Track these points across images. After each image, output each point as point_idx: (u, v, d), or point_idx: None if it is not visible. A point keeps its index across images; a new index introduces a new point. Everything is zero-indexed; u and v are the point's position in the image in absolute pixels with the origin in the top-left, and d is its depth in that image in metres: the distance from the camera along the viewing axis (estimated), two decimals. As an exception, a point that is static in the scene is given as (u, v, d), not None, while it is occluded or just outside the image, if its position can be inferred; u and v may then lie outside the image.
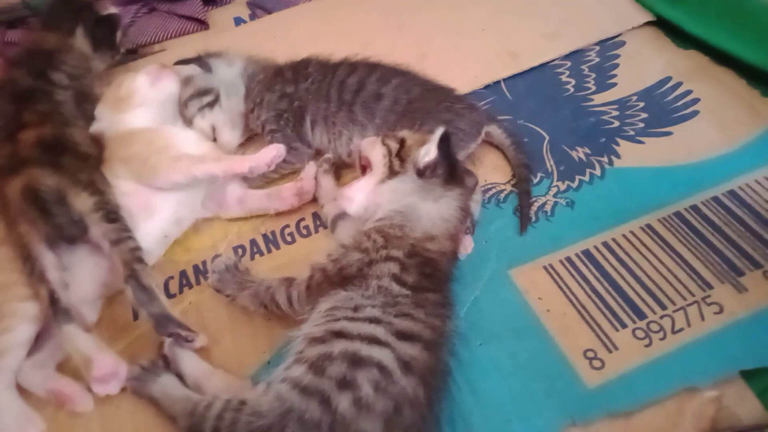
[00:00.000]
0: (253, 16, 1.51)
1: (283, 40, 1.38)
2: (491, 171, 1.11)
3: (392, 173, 0.90)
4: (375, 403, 0.70)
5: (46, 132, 0.97)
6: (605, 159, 1.09)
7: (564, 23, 1.32)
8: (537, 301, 0.92)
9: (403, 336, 0.75)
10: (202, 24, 1.48)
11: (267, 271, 0.98)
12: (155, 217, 1.00)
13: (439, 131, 0.86)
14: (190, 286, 1.02)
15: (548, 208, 1.04)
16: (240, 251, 1.05)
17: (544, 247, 0.98)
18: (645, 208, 1.00)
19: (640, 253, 0.95)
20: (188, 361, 0.88)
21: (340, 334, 0.75)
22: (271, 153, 1.00)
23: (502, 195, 1.07)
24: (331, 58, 1.15)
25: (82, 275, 0.94)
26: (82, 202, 0.92)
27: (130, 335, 0.96)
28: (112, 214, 0.93)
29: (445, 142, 0.86)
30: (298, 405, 0.71)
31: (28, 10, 1.45)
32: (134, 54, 1.46)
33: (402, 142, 0.92)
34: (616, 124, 1.15)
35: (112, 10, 1.26)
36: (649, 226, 0.98)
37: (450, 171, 0.89)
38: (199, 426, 0.76)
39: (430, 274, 0.83)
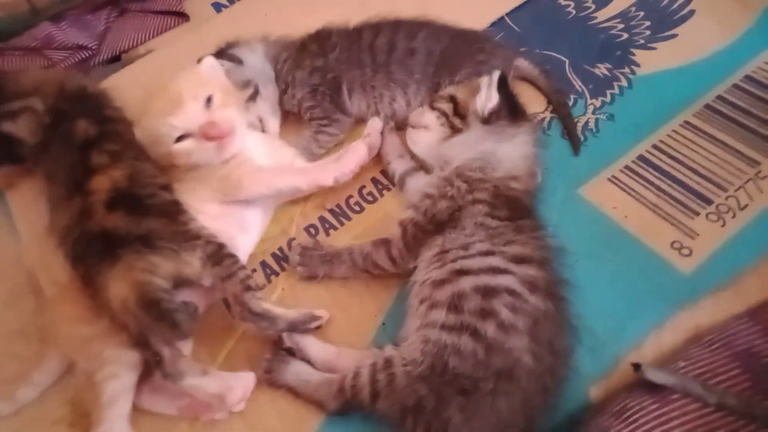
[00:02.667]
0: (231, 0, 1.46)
1: (276, 17, 1.36)
2: (528, 102, 1.15)
3: (456, 131, 0.93)
4: (516, 323, 0.76)
5: (119, 175, 0.88)
6: (627, 70, 1.17)
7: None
8: (613, 211, 0.99)
9: (518, 260, 0.81)
10: (183, 16, 1.42)
11: (349, 242, 1.01)
12: (251, 231, 1.00)
13: (496, 74, 0.91)
14: (276, 274, 1.02)
15: (592, 125, 1.11)
16: (312, 231, 1.06)
17: (602, 161, 1.05)
18: (678, 107, 1.09)
19: (688, 147, 1.04)
20: (314, 347, 0.90)
21: (462, 272, 0.80)
22: (355, 159, 0.99)
23: (545, 122, 1.13)
24: (346, 24, 1.15)
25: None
26: (192, 266, 0.86)
27: (232, 337, 0.95)
28: (215, 255, 0.88)
29: (503, 84, 0.90)
30: (451, 341, 0.76)
31: None
32: (118, 61, 1.40)
33: (453, 100, 0.95)
34: (625, 36, 1.22)
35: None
36: (687, 122, 1.07)
37: (514, 109, 0.93)
38: (355, 398, 0.80)
39: (517, 207, 0.88)
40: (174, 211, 0.91)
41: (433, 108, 0.98)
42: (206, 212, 0.95)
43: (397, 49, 1.10)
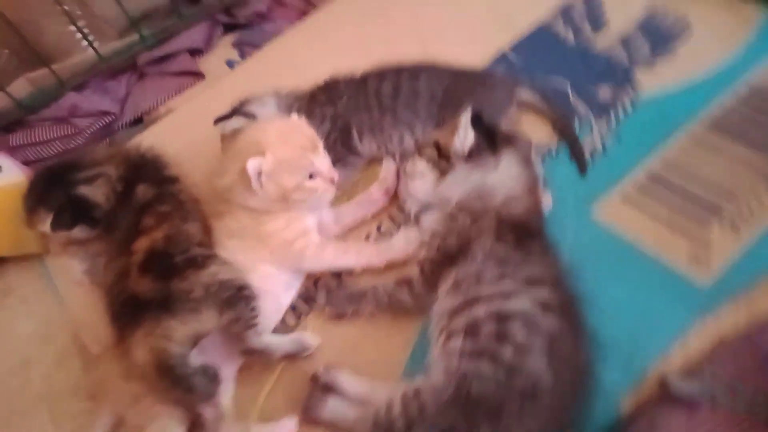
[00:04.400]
0: (243, 55, 1.53)
1: (289, 69, 1.41)
2: (533, 129, 1.20)
3: (444, 173, 0.99)
4: (533, 344, 0.79)
5: (160, 236, 0.93)
6: (629, 90, 1.20)
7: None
8: (627, 229, 1.02)
9: (530, 281, 0.84)
10: (198, 75, 1.50)
11: (371, 279, 1.04)
12: (293, 288, 1.04)
13: (466, 114, 0.95)
14: (306, 314, 1.06)
15: (599, 146, 1.14)
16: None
17: (611, 180, 1.08)
18: (683, 122, 1.12)
19: (697, 160, 1.07)
20: (349, 381, 0.92)
21: (476, 300, 0.83)
22: (406, 245, 1.02)
23: (553, 147, 1.16)
24: (352, 73, 1.20)
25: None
26: (211, 322, 0.90)
27: (271, 378, 0.97)
28: (231, 299, 0.91)
29: (475, 120, 0.95)
30: (472, 367, 0.79)
31: (21, 109, 1.43)
32: (140, 123, 1.47)
33: (437, 145, 1.00)
34: (625, 57, 1.26)
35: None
36: (694, 135, 1.10)
37: (491, 139, 0.98)
38: (391, 429, 0.82)
39: (523, 229, 0.91)
40: (203, 263, 0.94)
41: (421, 156, 1.03)
42: (258, 272, 1.00)
43: (402, 92, 1.15)
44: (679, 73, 1.20)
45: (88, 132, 1.43)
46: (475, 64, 1.29)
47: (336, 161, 1.14)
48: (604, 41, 1.31)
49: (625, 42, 1.29)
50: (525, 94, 1.20)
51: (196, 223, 1.00)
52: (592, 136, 1.16)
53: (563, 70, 1.27)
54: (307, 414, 0.90)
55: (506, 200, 0.94)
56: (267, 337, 0.95)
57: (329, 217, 1.13)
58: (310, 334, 1.00)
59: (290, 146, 0.98)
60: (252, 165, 0.94)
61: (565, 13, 1.38)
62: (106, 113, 1.45)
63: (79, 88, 1.48)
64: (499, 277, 0.85)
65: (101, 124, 1.44)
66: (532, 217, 0.95)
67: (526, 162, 1.00)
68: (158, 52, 1.50)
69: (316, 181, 1.00)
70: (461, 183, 0.97)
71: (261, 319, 0.94)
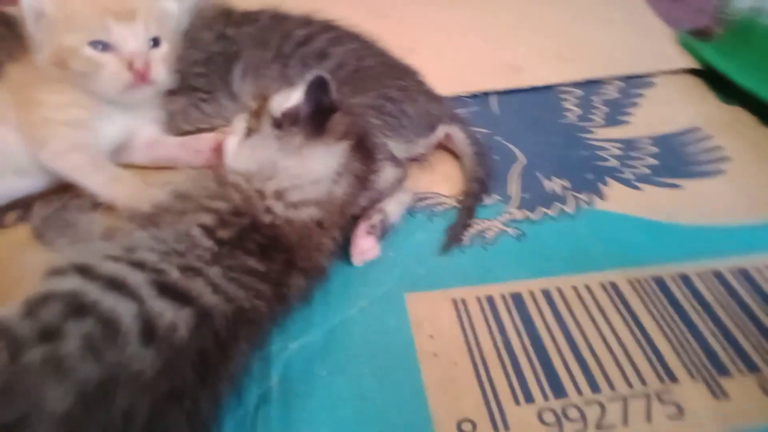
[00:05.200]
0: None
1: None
2: (439, 180, 0.87)
3: (249, 134, 0.70)
4: (76, 367, 0.47)
5: None
6: (585, 197, 0.83)
7: (585, 48, 1.11)
8: (425, 340, 0.65)
9: (168, 291, 0.53)
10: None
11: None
12: (27, 181, 0.82)
13: (313, 74, 0.66)
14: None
15: (490, 235, 0.78)
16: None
17: (465, 276, 0.72)
18: (615, 262, 0.73)
19: (589, 313, 0.67)
20: None
21: (82, 270, 0.53)
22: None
23: (439, 208, 0.83)
24: (284, 9, 0.97)
25: None
26: None
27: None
28: None
29: (319, 89, 0.65)
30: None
31: None
32: None
33: (261, 100, 0.72)
34: (614, 163, 0.89)
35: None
36: (613, 284, 0.70)
37: (320, 122, 0.67)
38: None
39: (265, 243, 0.60)
40: None
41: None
42: None
43: (309, 46, 0.90)
44: (661, 210, 0.80)
45: None
46: (448, 88, 0.99)
47: (206, 92, 0.93)
48: (606, 135, 0.95)
49: (630, 147, 0.92)
50: (458, 136, 0.89)
51: None
52: (494, 219, 0.80)
53: (533, 143, 0.93)
54: None
55: (275, 193, 0.63)
56: None
57: (143, 138, 0.88)
58: None
59: (89, 2, 0.76)
60: (29, 2, 0.75)
61: (589, 90, 1.04)
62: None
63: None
64: (140, 264, 0.54)
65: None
66: (295, 236, 0.63)
67: (351, 172, 0.68)
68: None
69: (105, 55, 0.76)
70: (250, 151, 0.69)
71: None
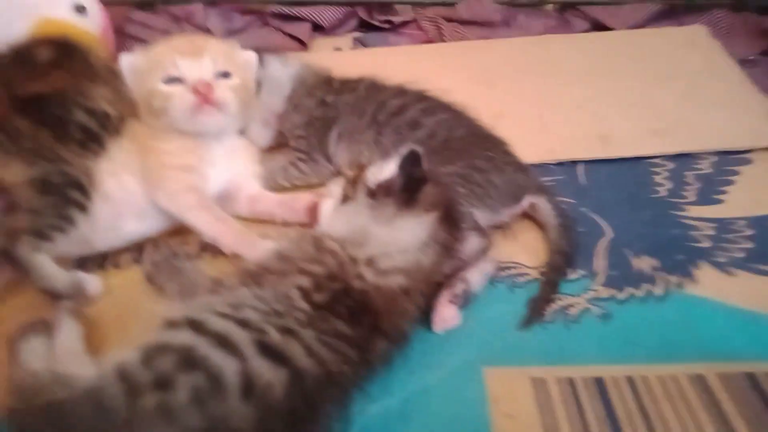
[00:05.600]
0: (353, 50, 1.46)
1: (365, 71, 1.29)
2: (521, 249, 0.88)
3: (344, 201, 0.76)
4: (183, 416, 0.53)
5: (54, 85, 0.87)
6: (675, 279, 0.81)
7: (679, 122, 1.08)
8: (502, 418, 0.65)
9: (268, 351, 0.57)
10: (302, 45, 1.46)
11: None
12: (144, 224, 0.90)
13: (408, 148, 0.71)
14: (139, 263, 0.90)
15: (574, 312, 0.78)
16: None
17: (546, 355, 0.72)
18: (705, 353, 0.71)
19: (675, 407, 0.65)
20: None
21: (195, 325, 0.58)
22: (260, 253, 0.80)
23: (521, 279, 0.83)
24: (383, 78, 1.03)
25: None
26: (12, 173, 0.79)
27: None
28: (50, 185, 0.80)
29: (411, 162, 0.70)
30: (108, 389, 0.55)
31: (159, -3, 1.54)
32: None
33: (358, 169, 0.77)
34: (707, 244, 0.87)
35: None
36: (701, 377, 0.68)
37: (412, 193, 0.70)
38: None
39: (354, 308, 0.64)
40: (68, 131, 0.86)
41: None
42: (119, 178, 0.88)
43: (403, 116, 0.94)
44: (758, 300, 0.77)
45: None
46: (534, 156, 1.01)
47: (304, 152, 1.00)
48: (699, 214, 0.92)
49: (724, 229, 0.89)
50: (543, 206, 0.90)
51: (103, 89, 0.91)
52: (578, 296, 0.80)
53: (621, 216, 0.92)
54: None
55: (367, 260, 0.67)
56: (44, 257, 0.78)
57: (246, 191, 0.96)
58: (96, 281, 0.83)
59: (165, 47, 0.88)
60: (124, 59, 0.88)
61: (681, 164, 1.01)
62: (210, 33, 1.49)
63: (210, 3, 1.55)
64: (244, 323, 0.59)
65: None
66: (382, 302, 0.66)
67: (438, 242, 0.71)
68: (288, 10, 1.50)
69: (173, 87, 0.85)
70: (345, 218, 0.74)
71: (63, 221, 0.80)
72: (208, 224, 0.85)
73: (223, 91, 0.87)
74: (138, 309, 0.80)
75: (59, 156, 0.84)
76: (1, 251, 0.76)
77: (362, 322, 0.64)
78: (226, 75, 0.89)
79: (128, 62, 0.89)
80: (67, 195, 0.81)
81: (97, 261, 0.88)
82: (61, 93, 0.88)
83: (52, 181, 0.81)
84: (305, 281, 0.65)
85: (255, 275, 0.69)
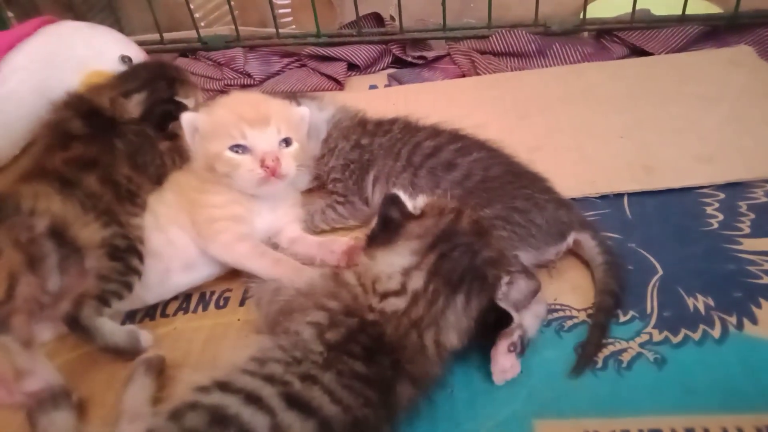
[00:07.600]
0: (387, 87, 1.47)
1: (399, 108, 1.30)
2: (568, 290, 0.86)
3: None
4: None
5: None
6: (733, 319, 0.77)
7: (727, 148, 1.04)
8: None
9: (295, 403, 0.58)
10: (338, 84, 1.49)
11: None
12: (192, 273, 0.92)
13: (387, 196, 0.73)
14: (186, 312, 0.92)
15: (626, 357, 0.75)
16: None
17: (598, 405, 0.69)
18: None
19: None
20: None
21: (223, 386, 0.59)
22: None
23: (569, 323, 0.81)
24: (417, 119, 1.03)
25: None
26: (90, 231, 0.82)
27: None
28: (118, 251, 0.83)
29: (391, 205, 0.72)
30: None
31: (200, 44, 1.60)
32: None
33: None
34: (766, 280, 0.82)
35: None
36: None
37: (391, 234, 0.71)
38: None
39: (370, 345, 0.64)
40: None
41: None
42: (168, 233, 0.91)
43: (438, 157, 0.94)
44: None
45: (223, 83, 1.53)
46: (576, 189, 0.99)
47: (341, 195, 1.01)
48: (755, 247, 0.87)
49: (783, 263, 0.84)
50: (588, 244, 0.87)
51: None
52: (631, 341, 0.76)
53: (671, 250, 0.89)
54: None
55: (378, 290, 0.68)
56: (104, 319, 0.80)
57: (287, 234, 0.98)
58: (147, 334, 0.85)
59: (230, 112, 0.89)
60: (186, 118, 0.90)
61: (733, 194, 0.97)
62: (249, 76, 1.54)
63: (248, 49, 1.60)
64: (271, 378, 0.60)
65: (240, 84, 1.53)
66: (415, 345, 0.66)
67: (431, 273, 0.68)
68: (324, 51, 1.53)
69: (241, 156, 0.87)
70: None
71: (124, 288, 0.83)
72: (266, 268, 0.87)
73: (288, 162, 0.89)
74: (187, 358, 0.83)
75: (119, 217, 0.87)
76: (68, 317, 0.77)
77: (380, 361, 0.64)
78: (287, 141, 0.91)
79: (190, 121, 0.90)
80: (129, 262, 0.84)
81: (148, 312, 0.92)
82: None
83: (119, 246, 0.83)
84: (321, 317, 0.66)
85: (272, 323, 0.71)
